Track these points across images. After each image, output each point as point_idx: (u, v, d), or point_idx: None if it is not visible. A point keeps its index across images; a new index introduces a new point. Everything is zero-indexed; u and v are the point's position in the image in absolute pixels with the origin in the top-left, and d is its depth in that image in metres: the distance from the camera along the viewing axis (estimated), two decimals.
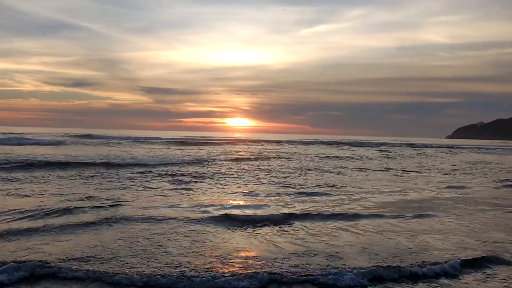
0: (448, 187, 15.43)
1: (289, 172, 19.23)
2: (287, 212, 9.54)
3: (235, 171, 19.20)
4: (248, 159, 27.13)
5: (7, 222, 7.97)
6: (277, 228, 8.20)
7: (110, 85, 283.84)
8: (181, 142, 49.31)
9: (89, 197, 10.98)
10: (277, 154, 32.72)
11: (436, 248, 7.02)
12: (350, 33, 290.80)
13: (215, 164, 22.83)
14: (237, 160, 26.31)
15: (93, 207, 9.48)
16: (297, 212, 9.62)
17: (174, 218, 8.68)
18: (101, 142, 42.45)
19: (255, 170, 20.06)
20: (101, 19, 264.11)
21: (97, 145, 38.48)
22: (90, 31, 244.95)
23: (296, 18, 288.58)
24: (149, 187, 13.21)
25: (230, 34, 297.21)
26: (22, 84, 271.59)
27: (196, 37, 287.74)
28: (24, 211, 8.83)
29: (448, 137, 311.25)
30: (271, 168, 21.41)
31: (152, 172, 17.39)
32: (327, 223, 8.76)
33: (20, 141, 36.55)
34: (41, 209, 9.02)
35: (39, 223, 7.92)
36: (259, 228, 8.19)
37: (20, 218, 8.26)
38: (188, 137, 68.55)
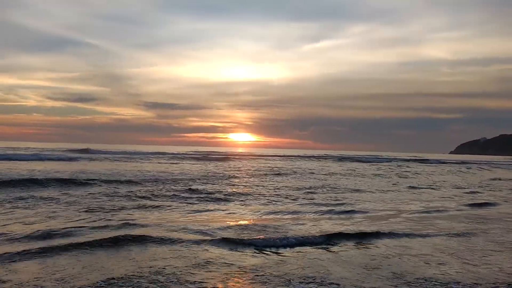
0: None
1: (317, 188, 18.43)
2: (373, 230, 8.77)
3: (261, 188, 18.40)
4: (270, 174, 26.37)
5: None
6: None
7: (113, 100, 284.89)
8: (195, 158, 48.68)
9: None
10: (293, 170, 31.93)
11: None
12: (353, 48, 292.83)
13: (237, 179, 22.08)
14: (259, 175, 25.55)
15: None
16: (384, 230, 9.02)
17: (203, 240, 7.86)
18: (112, 158, 41.74)
19: (282, 186, 19.25)
20: (105, 35, 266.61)
21: (107, 160, 37.79)
22: (94, 47, 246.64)
23: (299, 34, 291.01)
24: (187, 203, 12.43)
25: (234, 49, 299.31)
26: (26, 99, 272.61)
27: (200, 53, 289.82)
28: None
29: (451, 152, 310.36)
30: (298, 184, 20.61)
31: (184, 188, 16.61)
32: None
33: (30, 157, 36.13)
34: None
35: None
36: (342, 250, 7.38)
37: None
38: (199, 152, 67.86)
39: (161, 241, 7.72)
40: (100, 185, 16.79)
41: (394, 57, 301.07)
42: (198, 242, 7.73)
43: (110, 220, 9.61)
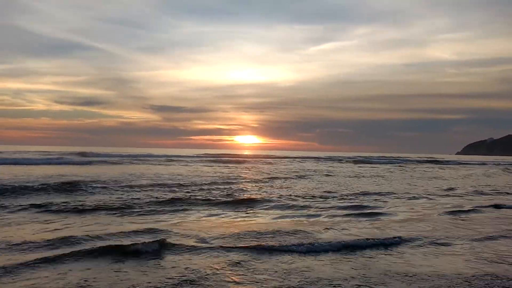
0: None
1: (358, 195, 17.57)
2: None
3: (292, 190, 17.58)
4: (295, 178, 25.53)
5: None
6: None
7: (120, 104, 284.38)
8: (214, 160, 48.06)
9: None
10: (317, 172, 31.08)
11: None
12: (357, 50, 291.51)
13: (265, 183, 21.28)
14: (284, 178, 24.72)
15: None
16: None
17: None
18: (130, 161, 41.10)
19: (315, 188, 18.41)
20: (111, 39, 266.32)
21: (126, 164, 37.12)
22: (100, 51, 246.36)
23: (303, 36, 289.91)
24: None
25: (238, 52, 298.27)
26: (34, 103, 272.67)
27: (205, 56, 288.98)
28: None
29: (457, 153, 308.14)
30: (332, 188, 19.77)
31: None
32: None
33: (50, 161, 35.60)
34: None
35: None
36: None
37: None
38: (211, 155, 67.09)
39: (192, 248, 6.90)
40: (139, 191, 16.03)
41: (398, 58, 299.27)
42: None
43: None
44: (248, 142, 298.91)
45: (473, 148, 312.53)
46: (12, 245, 7.27)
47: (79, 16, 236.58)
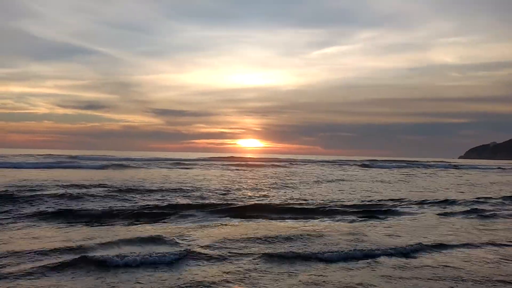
0: None
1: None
2: None
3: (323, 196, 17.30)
4: (324, 181, 25.26)
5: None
6: None
7: (122, 107, 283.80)
8: (233, 164, 47.91)
9: None
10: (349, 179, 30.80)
11: None
12: (360, 54, 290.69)
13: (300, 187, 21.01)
14: (311, 182, 24.44)
15: None
16: None
17: None
18: (142, 165, 40.88)
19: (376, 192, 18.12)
20: (114, 43, 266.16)
21: (139, 168, 36.91)
22: (103, 55, 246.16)
23: (306, 40, 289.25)
24: None
25: (241, 56, 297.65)
26: (37, 107, 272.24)
27: (208, 60, 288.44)
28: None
29: (460, 157, 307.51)
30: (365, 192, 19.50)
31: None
32: None
33: (63, 164, 35.52)
34: None
35: None
36: None
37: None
38: (223, 158, 66.77)
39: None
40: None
41: (402, 62, 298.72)
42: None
43: None
44: (250, 146, 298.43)
45: (476, 152, 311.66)
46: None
47: (82, 20, 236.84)
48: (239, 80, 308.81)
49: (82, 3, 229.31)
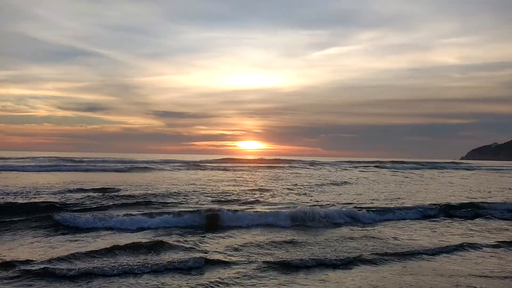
0: None
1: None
2: None
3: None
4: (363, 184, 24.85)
5: None
6: None
7: (122, 110, 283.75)
8: (244, 167, 47.40)
9: None
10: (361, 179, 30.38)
11: None
12: (362, 55, 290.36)
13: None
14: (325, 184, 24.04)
15: None
16: None
17: None
18: (167, 168, 40.58)
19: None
20: (114, 46, 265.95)
21: (162, 171, 36.59)
22: (104, 57, 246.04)
23: (307, 42, 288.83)
24: None
25: (242, 58, 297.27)
26: (37, 109, 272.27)
27: (208, 62, 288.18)
28: None
29: (462, 158, 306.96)
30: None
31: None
32: None
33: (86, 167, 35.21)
34: None
35: None
36: None
37: None
38: (228, 160, 66.32)
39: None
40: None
41: (403, 63, 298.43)
42: None
43: None
44: (251, 147, 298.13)
45: (478, 153, 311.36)
46: None
47: (82, 23, 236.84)
48: (239, 82, 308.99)
49: (83, 6, 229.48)
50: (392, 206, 14.36)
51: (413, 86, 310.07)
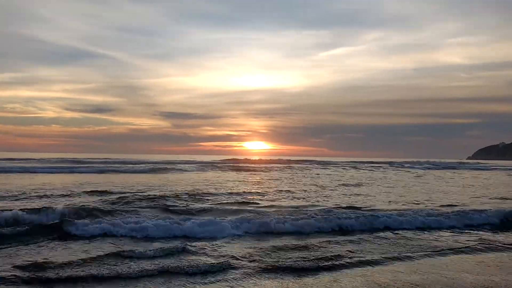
0: None
1: None
2: None
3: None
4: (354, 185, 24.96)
5: None
6: None
7: (129, 111, 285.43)
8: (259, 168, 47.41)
9: None
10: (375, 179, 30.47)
11: None
12: (367, 55, 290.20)
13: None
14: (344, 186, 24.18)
15: None
16: None
17: None
18: (189, 169, 40.83)
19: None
20: (121, 47, 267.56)
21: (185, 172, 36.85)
22: (110, 58, 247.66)
23: (313, 42, 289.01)
24: None
25: (248, 58, 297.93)
26: (44, 111, 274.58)
27: (214, 63, 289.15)
28: None
29: (469, 158, 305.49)
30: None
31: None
32: None
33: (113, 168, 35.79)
34: None
35: None
36: None
37: None
38: (237, 160, 66.47)
39: None
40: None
41: (409, 63, 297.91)
42: None
43: None
44: (257, 148, 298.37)
45: (484, 153, 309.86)
46: None
47: (89, 24, 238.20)
48: (245, 82, 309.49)
49: (89, 8, 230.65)
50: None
51: (419, 86, 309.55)
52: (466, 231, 10.82)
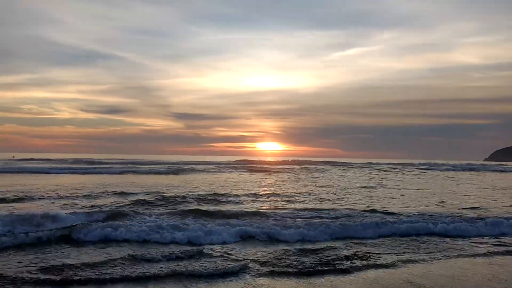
0: None
1: None
2: None
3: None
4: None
5: None
6: None
7: (142, 112, 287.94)
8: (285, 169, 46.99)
9: None
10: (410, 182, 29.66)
11: None
12: (380, 56, 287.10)
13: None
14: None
15: None
16: None
17: None
18: (209, 169, 40.59)
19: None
20: (134, 48, 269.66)
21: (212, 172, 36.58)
22: (124, 60, 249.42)
23: (325, 42, 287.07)
24: None
25: (260, 59, 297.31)
26: (60, 112, 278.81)
27: (227, 64, 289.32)
28: None
29: (485, 159, 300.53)
30: None
31: None
32: None
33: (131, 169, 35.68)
34: None
35: None
36: None
37: None
38: (249, 161, 65.98)
39: None
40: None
41: (423, 63, 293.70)
42: None
43: None
44: (269, 148, 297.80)
45: (501, 154, 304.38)
46: None
47: (102, 26, 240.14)
48: (258, 83, 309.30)
49: (103, 10, 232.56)
50: None
51: (433, 86, 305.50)
52: None
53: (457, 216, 12.20)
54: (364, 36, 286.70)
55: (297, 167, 52.06)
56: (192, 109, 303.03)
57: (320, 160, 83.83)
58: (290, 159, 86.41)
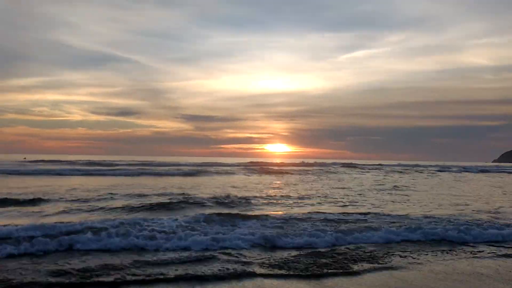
0: None
1: None
2: None
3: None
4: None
5: None
6: None
7: (153, 114, 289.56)
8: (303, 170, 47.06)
9: None
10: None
11: None
12: (389, 57, 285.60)
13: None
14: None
15: None
16: None
17: None
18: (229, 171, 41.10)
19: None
20: (145, 51, 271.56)
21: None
22: (134, 62, 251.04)
23: (334, 44, 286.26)
24: None
25: (269, 61, 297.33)
26: (71, 114, 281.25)
27: (236, 66, 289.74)
28: None
29: (494, 161, 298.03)
30: None
31: None
32: None
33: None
34: None
35: None
36: None
37: None
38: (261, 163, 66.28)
39: None
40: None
41: (432, 65, 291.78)
42: None
43: None
44: (279, 150, 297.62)
45: (510, 155, 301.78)
46: None
47: (113, 29, 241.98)
48: (267, 85, 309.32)
49: (114, 13, 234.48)
50: None
51: (442, 88, 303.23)
52: None
53: None
54: (373, 38, 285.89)
55: (317, 168, 52.42)
56: (201, 111, 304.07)
57: (330, 162, 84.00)
58: (309, 160, 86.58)
